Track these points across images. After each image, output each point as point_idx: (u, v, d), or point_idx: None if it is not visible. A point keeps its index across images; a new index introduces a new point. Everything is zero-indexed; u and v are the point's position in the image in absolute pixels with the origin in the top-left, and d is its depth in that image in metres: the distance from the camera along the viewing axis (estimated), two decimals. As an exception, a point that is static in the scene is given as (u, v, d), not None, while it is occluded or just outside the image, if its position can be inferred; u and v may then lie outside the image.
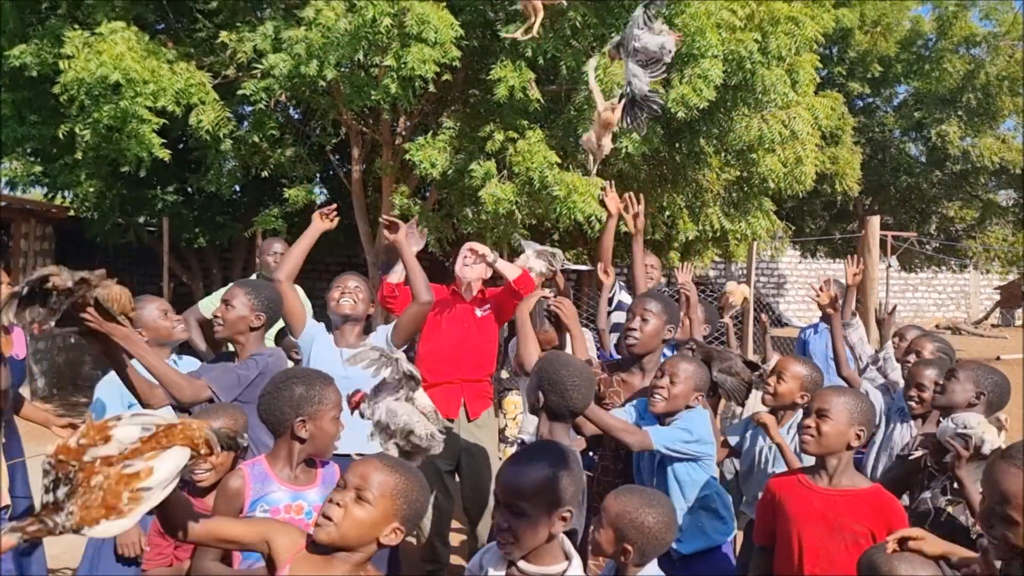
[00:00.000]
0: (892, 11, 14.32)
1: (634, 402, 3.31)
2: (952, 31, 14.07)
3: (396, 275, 4.40)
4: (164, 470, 1.71)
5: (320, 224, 3.83)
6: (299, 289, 5.05)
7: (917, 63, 14.71)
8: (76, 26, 6.97)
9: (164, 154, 6.61)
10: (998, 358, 13.72)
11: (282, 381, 2.61)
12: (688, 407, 3.10)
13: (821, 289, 4.69)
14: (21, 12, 7.72)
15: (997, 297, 22.99)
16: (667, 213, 9.69)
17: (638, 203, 4.35)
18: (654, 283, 4.97)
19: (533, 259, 4.80)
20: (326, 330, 3.90)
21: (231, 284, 3.60)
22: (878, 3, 14.14)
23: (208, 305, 4.95)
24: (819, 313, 5.38)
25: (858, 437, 2.66)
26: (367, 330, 4.03)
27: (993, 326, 22.52)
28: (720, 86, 7.14)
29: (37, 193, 11.01)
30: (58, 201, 10.28)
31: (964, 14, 14.11)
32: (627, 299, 5.00)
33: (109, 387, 3.45)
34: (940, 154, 14.48)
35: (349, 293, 3.79)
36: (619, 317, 5.04)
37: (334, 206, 3.87)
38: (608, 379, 3.49)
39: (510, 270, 4.58)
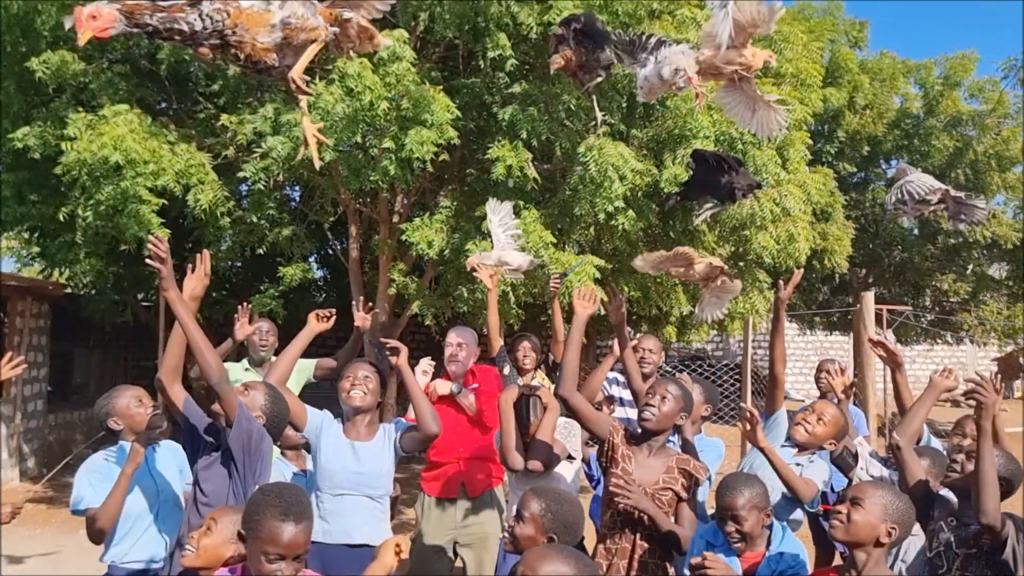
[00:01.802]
0: (882, 94, 14.68)
1: (700, 532, 3.32)
2: (939, 109, 14.39)
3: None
4: None
5: (316, 326, 3.90)
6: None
7: (906, 139, 15.01)
8: (80, 108, 7.12)
9: (164, 234, 6.65)
10: (998, 432, 13.57)
11: (261, 489, 2.49)
12: (762, 531, 3.12)
13: (826, 369, 4.75)
14: (26, 94, 7.88)
15: (995, 368, 22.89)
16: (661, 285, 9.72)
17: (617, 294, 4.36)
18: (653, 366, 4.95)
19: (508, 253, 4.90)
20: (332, 417, 3.87)
21: (259, 381, 3.61)
22: (868, 87, 14.50)
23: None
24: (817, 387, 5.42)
25: (889, 534, 2.60)
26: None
27: (992, 398, 22.33)
28: (712, 166, 7.25)
29: (34, 269, 11.05)
30: (55, 278, 10.32)
31: (950, 93, 14.45)
32: (625, 394, 5.01)
33: (88, 472, 3.42)
34: (932, 228, 14.64)
35: (359, 384, 3.75)
36: (618, 413, 5.05)
37: (333, 310, 3.94)
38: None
39: (442, 387, 4.69)
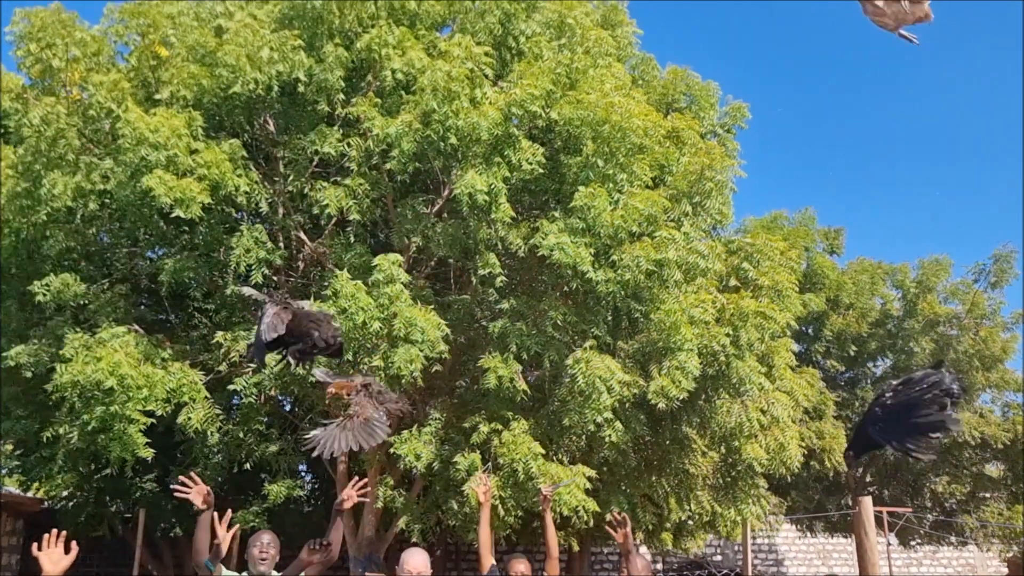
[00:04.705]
0: (861, 297, 15.16)
1: None
2: (917, 312, 14.79)
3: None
4: None
5: (307, 559, 3.82)
6: None
7: (889, 339, 15.30)
8: (77, 328, 7.26)
9: (148, 453, 6.60)
10: (1018, 644, 12.86)
11: None
12: None
13: None
14: (25, 311, 8.05)
15: (1006, 570, 22.06)
16: (656, 492, 9.55)
17: (623, 519, 4.38)
18: None
19: None
20: None
21: None
22: (851, 286, 15.03)
23: None
24: None
25: None
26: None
27: (1007, 603, 21.39)
28: (698, 377, 7.36)
29: (12, 480, 10.79)
30: (33, 489, 10.07)
31: (926, 296, 14.91)
32: None
33: None
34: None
35: None
36: None
37: (327, 543, 3.87)
38: None
39: None
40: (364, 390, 4.19)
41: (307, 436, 3.79)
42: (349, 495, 4.01)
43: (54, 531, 3.26)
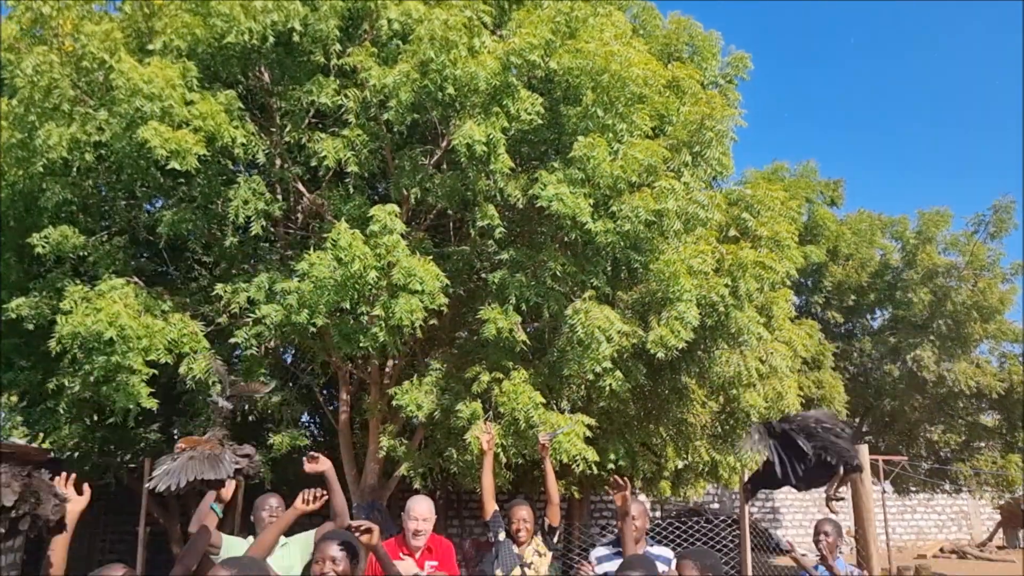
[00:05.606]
0: (862, 247, 15.17)
1: None
2: (916, 262, 14.80)
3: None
4: None
5: (301, 507, 3.90)
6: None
7: (888, 290, 15.36)
8: (77, 279, 7.27)
9: (151, 403, 6.66)
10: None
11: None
12: None
13: (823, 531, 5.11)
14: (25, 264, 8.05)
15: (998, 517, 22.46)
16: (655, 441, 9.67)
17: (623, 483, 4.53)
18: (639, 532, 4.91)
19: None
20: None
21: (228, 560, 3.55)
22: (850, 237, 15.04)
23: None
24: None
25: None
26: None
27: (999, 548, 21.81)
28: (697, 327, 7.39)
29: (19, 433, 10.91)
30: (39, 441, 10.18)
31: (926, 247, 14.91)
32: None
33: None
34: (920, 379, 14.72)
35: (328, 571, 3.69)
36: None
37: (322, 494, 3.93)
38: None
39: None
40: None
41: (155, 474, 3.75)
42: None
43: (64, 474, 3.34)
